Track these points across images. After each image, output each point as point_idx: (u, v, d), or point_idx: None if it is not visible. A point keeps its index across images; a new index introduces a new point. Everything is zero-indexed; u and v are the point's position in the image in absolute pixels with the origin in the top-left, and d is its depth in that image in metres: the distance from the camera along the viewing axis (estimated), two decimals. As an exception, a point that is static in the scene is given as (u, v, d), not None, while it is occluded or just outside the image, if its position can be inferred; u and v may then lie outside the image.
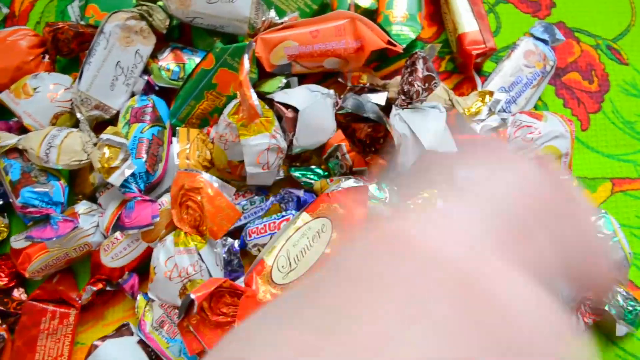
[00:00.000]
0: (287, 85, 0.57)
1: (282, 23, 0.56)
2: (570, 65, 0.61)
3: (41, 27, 0.61)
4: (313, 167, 0.56)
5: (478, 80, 0.59)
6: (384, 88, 0.58)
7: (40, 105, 0.54)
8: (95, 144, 0.54)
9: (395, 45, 0.56)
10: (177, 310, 0.53)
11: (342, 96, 0.56)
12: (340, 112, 0.50)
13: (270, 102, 0.54)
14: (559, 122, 0.53)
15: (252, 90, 0.47)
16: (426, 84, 0.53)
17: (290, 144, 0.53)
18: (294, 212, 0.54)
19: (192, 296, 0.46)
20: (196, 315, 0.49)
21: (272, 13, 0.56)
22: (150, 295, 0.54)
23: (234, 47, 0.53)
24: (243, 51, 0.53)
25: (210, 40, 0.58)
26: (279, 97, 0.53)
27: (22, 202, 0.51)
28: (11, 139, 0.53)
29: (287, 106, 0.53)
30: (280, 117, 0.53)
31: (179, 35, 0.61)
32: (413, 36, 0.59)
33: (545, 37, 0.58)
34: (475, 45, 0.57)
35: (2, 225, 0.57)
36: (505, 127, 0.54)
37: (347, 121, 0.51)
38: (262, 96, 0.54)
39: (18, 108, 0.54)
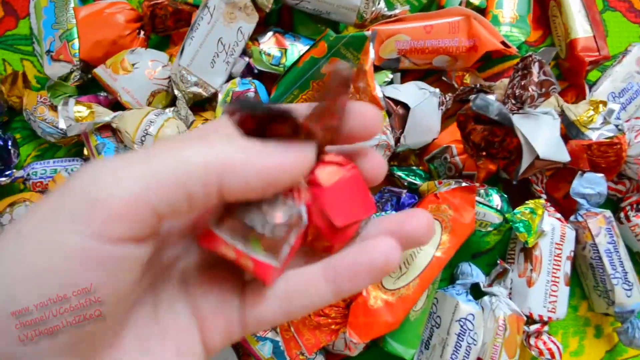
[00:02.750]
0: (392, 82, 0.55)
1: (390, 16, 0.54)
2: (678, 80, 0.59)
3: (134, 0, 0.58)
4: (414, 167, 0.54)
5: (587, 89, 0.57)
6: (490, 90, 0.56)
7: (139, 82, 0.52)
8: (189, 129, 0.52)
9: (508, 47, 0.54)
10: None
11: (446, 95, 0.54)
12: (463, 111, 0.48)
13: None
14: (678, 128, 0.51)
15: (375, 81, 0.45)
16: (543, 89, 0.50)
17: (396, 142, 0.51)
18: (392, 212, 0.52)
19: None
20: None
21: (382, 4, 0.54)
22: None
23: (350, 37, 0.51)
24: (359, 41, 0.51)
25: (314, 27, 0.56)
26: (389, 92, 0.51)
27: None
28: (107, 116, 0.51)
29: (396, 102, 0.51)
30: (389, 113, 0.51)
31: (277, 20, 0.58)
32: (522, 39, 0.57)
33: (659, 46, 0.56)
34: (589, 52, 0.55)
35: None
36: (621, 134, 0.52)
37: (466, 121, 0.49)
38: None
39: (116, 84, 0.52)
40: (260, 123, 0.21)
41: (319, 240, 0.24)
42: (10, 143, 0.53)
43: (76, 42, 0.54)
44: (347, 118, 0.23)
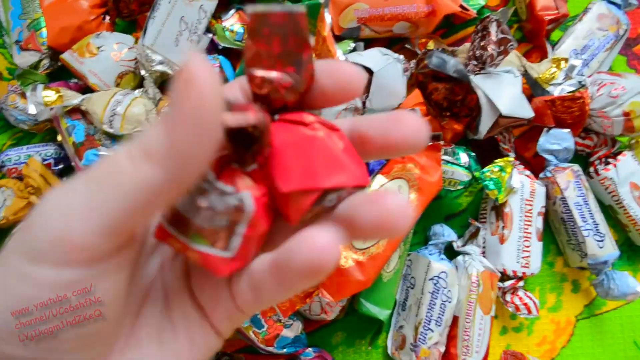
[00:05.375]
0: (354, 50, 0.56)
1: (350, -15, 0.55)
2: (641, 35, 0.60)
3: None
4: (382, 133, 0.55)
5: (549, 47, 0.57)
6: (453, 54, 0.56)
7: (105, 64, 0.53)
8: (157, 108, 0.52)
9: (467, 10, 0.55)
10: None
11: (411, 61, 0.55)
12: (420, 70, 0.48)
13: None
14: (639, 78, 0.51)
15: (336, 46, 0.46)
16: (501, 47, 0.51)
17: (363, 106, 0.52)
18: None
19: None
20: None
21: (341, -25, 0.55)
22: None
23: (306, 6, 0.51)
24: (313, 9, 0.52)
25: (275, 2, 0.56)
26: (353, 58, 0.52)
27: (87, 165, 0.50)
28: (75, 99, 0.52)
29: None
30: (353, 79, 0.51)
31: (241, -2, 0.59)
32: (482, 2, 0.58)
33: (618, 0, 0.56)
34: (548, 11, 0.56)
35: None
36: (584, 88, 0.52)
37: (426, 81, 0.49)
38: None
39: (83, 67, 0.52)
40: None
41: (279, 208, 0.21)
42: (-17, 132, 0.53)
43: (44, 30, 0.55)
44: (315, 76, 0.21)
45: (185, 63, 0.16)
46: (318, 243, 0.18)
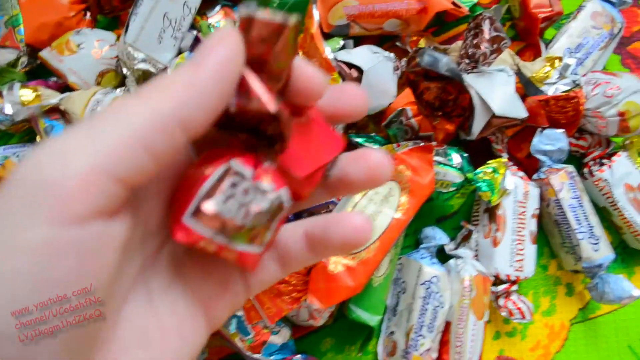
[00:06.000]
0: (343, 48, 0.54)
1: (340, -19, 0.53)
2: (635, 34, 0.59)
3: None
4: (372, 134, 0.53)
5: (543, 46, 0.56)
6: (445, 53, 0.55)
7: (85, 62, 0.51)
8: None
9: (459, 7, 0.53)
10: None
11: (401, 60, 0.53)
12: (411, 69, 0.47)
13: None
14: (634, 78, 0.50)
15: (324, 44, 0.44)
16: (494, 45, 0.50)
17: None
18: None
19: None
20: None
21: (329, -29, 0.53)
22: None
23: (294, 1, 0.50)
24: (302, 5, 0.50)
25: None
26: (342, 56, 0.50)
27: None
28: (53, 98, 0.50)
29: (349, 66, 0.50)
30: (342, 77, 0.50)
31: (227, -5, 0.57)
32: (475, 0, 0.56)
33: (613, -2, 0.56)
34: (542, 8, 0.55)
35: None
36: (578, 88, 0.51)
37: (417, 79, 0.48)
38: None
39: (62, 65, 0.51)
40: None
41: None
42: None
43: (22, 27, 0.53)
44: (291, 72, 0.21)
45: (219, 28, 0.19)
46: (356, 222, 0.21)
